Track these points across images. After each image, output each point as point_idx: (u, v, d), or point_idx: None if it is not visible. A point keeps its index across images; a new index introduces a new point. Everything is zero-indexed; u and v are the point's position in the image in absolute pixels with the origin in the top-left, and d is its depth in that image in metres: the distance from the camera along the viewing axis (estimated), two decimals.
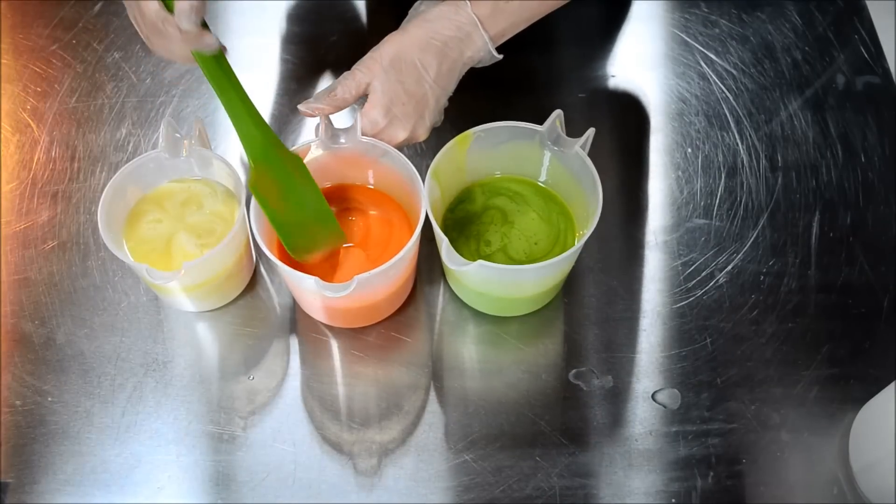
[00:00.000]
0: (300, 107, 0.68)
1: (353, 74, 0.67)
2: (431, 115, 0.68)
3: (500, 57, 0.69)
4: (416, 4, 0.70)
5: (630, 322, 0.72)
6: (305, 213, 0.67)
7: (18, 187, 0.79)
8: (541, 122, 0.68)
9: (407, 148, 0.71)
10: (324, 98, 0.67)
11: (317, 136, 0.68)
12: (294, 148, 0.68)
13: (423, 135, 0.69)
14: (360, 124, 0.67)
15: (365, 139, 0.67)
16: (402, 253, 0.62)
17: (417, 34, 0.66)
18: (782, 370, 0.70)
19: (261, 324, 0.73)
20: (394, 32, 0.68)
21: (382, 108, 0.66)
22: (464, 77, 0.83)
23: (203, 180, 0.72)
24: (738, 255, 0.75)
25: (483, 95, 0.81)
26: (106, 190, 0.66)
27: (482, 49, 0.67)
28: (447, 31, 0.66)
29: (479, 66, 0.69)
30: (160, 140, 0.68)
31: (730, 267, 0.75)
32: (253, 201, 0.65)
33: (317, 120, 0.68)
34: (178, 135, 0.69)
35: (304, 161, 0.69)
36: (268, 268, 0.75)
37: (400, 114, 0.66)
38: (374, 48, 0.67)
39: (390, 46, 0.66)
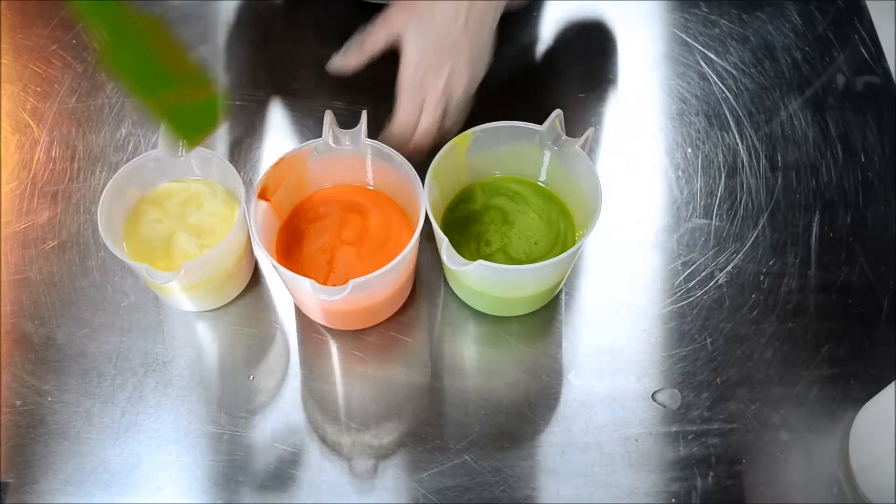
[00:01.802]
0: (331, 64, 0.67)
1: (379, 24, 0.67)
2: (468, 66, 0.67)
3: None
4: None
5: (630, 322, 0.72)
6: (176, 82, 0.59)
7: (18, 187, 0.79)
8: (541, 122, 0.68)
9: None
10: (353, 52, 0.67)
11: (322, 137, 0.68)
12: (296, 149, 0.68)
13: (461, 85, 0.68)
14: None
15: (369, 141, 0.68)
16: (400, 256, 0.62)
17: None
18: (782, 370, 0.70)
19: (261, 324, 0.73)
20: None
21: (415, 57, 0.65)
22: None
23: (203, 180, 0.72)
24: (738, 255, 0.75)
25: (483, 95, 0.81)
26: (106, 190, 0.66)
27: None
28: None
29: (511, 10, 0.68)
30: (160, 140, 0.68)
31: (730, 267, 0.75)
32: (252, 203, 0.65)
33: (326, 122, 0.67)
34: None
35: (306, 161, 0.69)
36: (268, 268, 0.75)
37: (434, 62, 0.66)
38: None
39: None
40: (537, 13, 0.89)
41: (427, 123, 0.70)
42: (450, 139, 0.68)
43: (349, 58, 0.67)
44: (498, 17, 0.68)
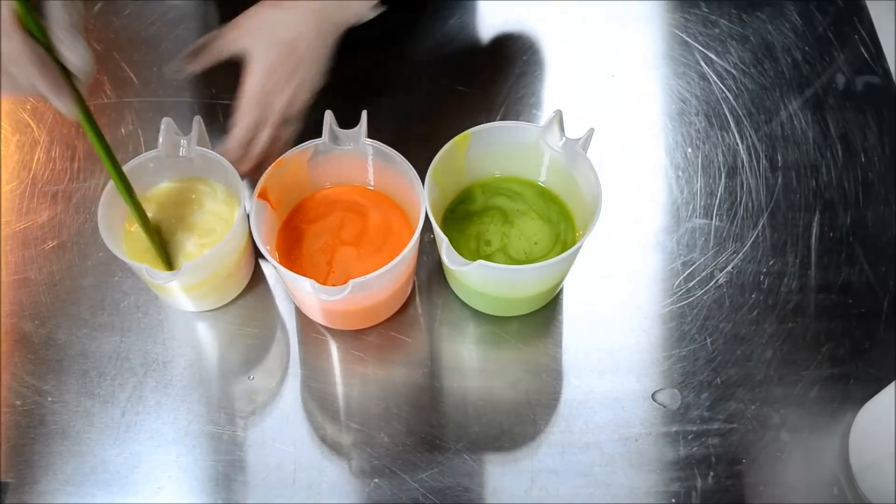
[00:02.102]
0: (169, 66, 0.67)
1: (225, 36, 0.66)
2: (312, 80, 0.67)
3: (384, 8, 0.68)
4: None
5: (630, 322, 0.72)
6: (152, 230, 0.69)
7: (18, 187, 0.79)
8: (541, 122, 0.68)
9: (406, 148, 0.70)
10: (194, 59, 0.67)
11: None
12: (296, 149, 0.68)
13: (303, 99, 0.68)
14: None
15: (369, 141, 0.67)
16: (399, 256, 0.62)
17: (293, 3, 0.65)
18: (782, 370, 0.70)
19: (261, 324, 0.73)
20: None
21: (260, 73, 0.65)
22: (461, 77, 0.83)
23: (203, 180, 0.72)
24: (738, 255, 0.75)
25: (482, 95, 0.82)
26: (106, 190, 0.66)
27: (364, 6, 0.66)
28: None
29: (363, 19, 0.68)
30: (160, 140, 0.68)
31: (730, 267, 0.75)
32: (253, 206, 0.65)
33: (326, 122, 0.67)
34: (177, 134, 0.69)
35: (306, 161, 0.69)
36: (268, 268, 0.75)
37: (279, 79, 0.65)
38: (246, 13, 0.67)
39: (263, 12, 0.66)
40: (536, 13, 0.89)
41: (266, 139, 0.69)
42: (287, 150, 0.68)
43: (189, 64, 0.66)
44: (343, 28, 0.68)
